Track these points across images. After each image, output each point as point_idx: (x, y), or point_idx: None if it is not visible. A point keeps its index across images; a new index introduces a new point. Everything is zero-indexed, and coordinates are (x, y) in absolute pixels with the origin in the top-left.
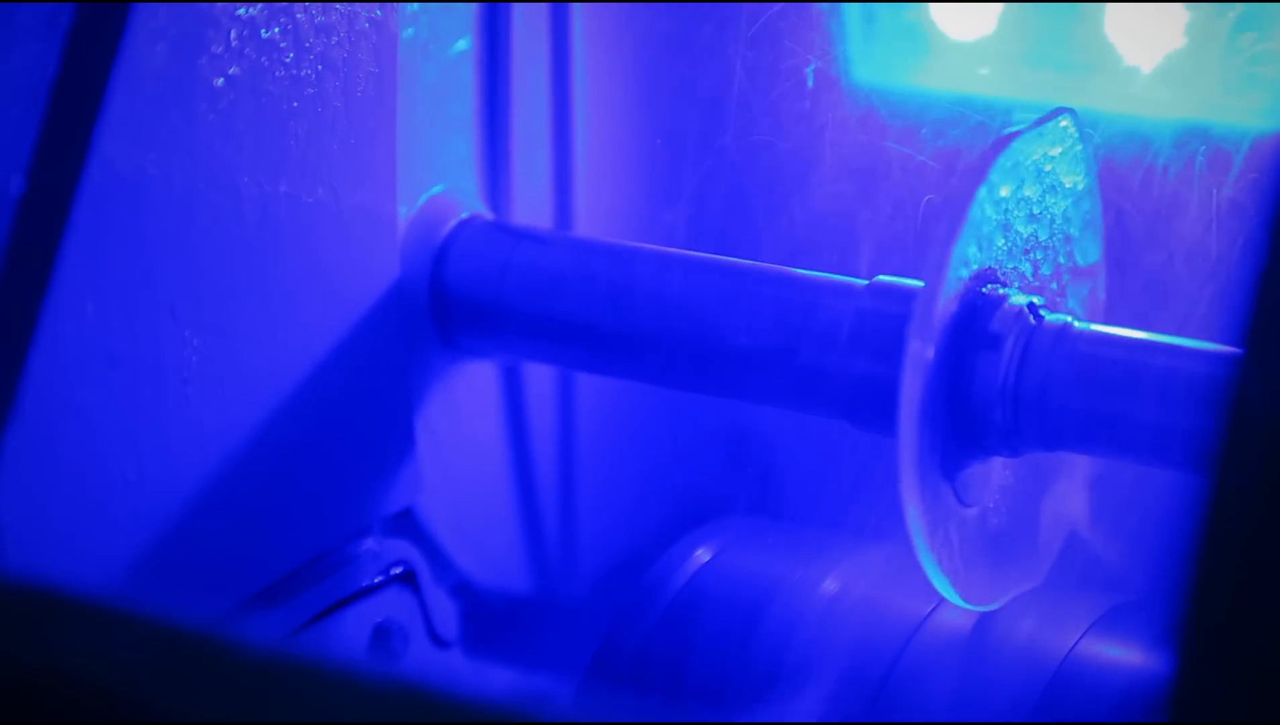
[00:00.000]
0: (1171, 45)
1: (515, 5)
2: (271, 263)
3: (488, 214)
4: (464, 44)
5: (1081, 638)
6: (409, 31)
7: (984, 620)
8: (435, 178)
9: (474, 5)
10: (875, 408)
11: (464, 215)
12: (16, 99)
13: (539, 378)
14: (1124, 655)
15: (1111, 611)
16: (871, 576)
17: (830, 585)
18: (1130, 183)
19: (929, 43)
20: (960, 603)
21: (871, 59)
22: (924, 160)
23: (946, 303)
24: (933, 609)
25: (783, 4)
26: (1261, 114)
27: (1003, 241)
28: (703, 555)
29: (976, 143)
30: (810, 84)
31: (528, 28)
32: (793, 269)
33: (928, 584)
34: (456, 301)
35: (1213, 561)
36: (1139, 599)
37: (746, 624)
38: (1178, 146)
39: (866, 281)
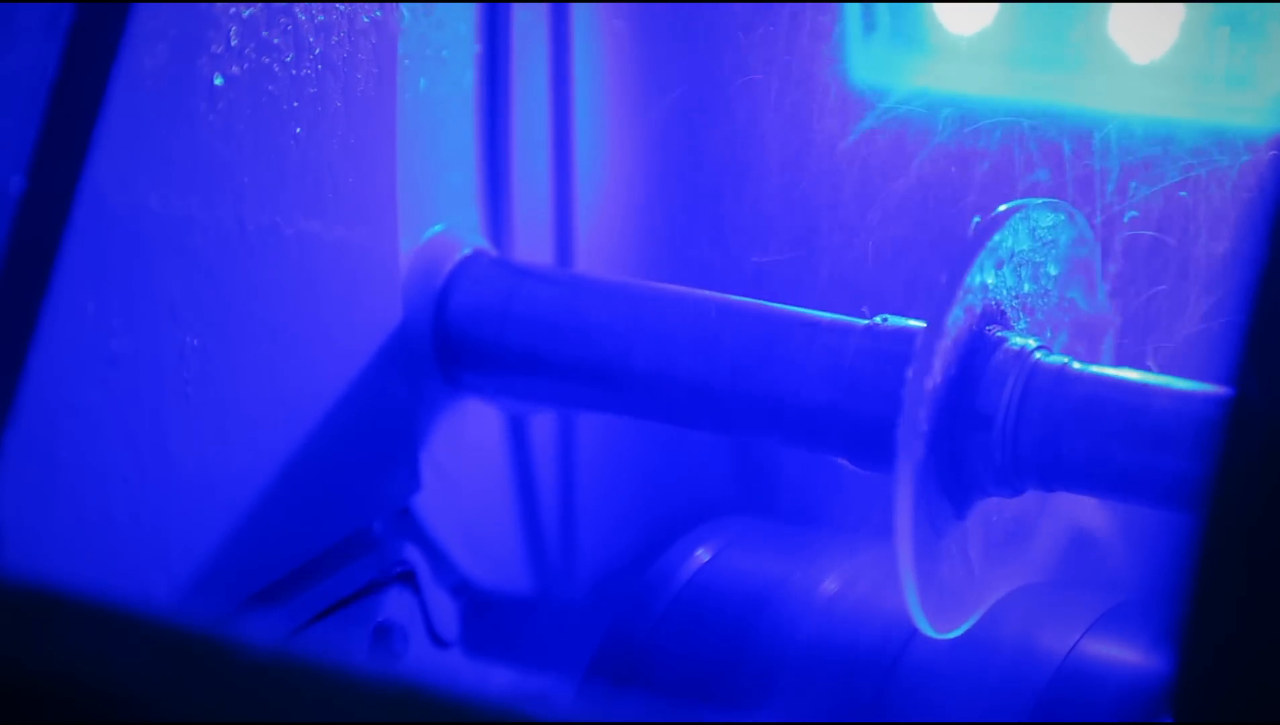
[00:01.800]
0: (1172, 43)
1: (515, 40)
2: (269, 265)
3: (490, 248)
4: (467, 79)
5: (1082, 637)
6: (406, 62)
7: (984, 619)
8: (436, 213)
9: (472, 50)
10: (874, 447)
11: (466, 251)
12: (16, 99)
13: None
14: (1124, 655)
15: (1111, 611)
16: (871, 576)
17: (830, 585)
18: (1131, 182)
19: (927, 42)
20: (934, 634)
21: (870, 60)
22: (925, 163)
23: (947, 345)
24: None
25: (781, 4)
26: (1262, 113)
27: (1005, 290)
28: (703, 555)
29: (966, 145)
30: (812, 89)
31: (526, 64)
32: (793, 308)
33: None
34: (459, 340)
35: (1213, 562)
36: (1139, 599)
37: (746, 624)
38: (1179, 146)
39: (867, 321)
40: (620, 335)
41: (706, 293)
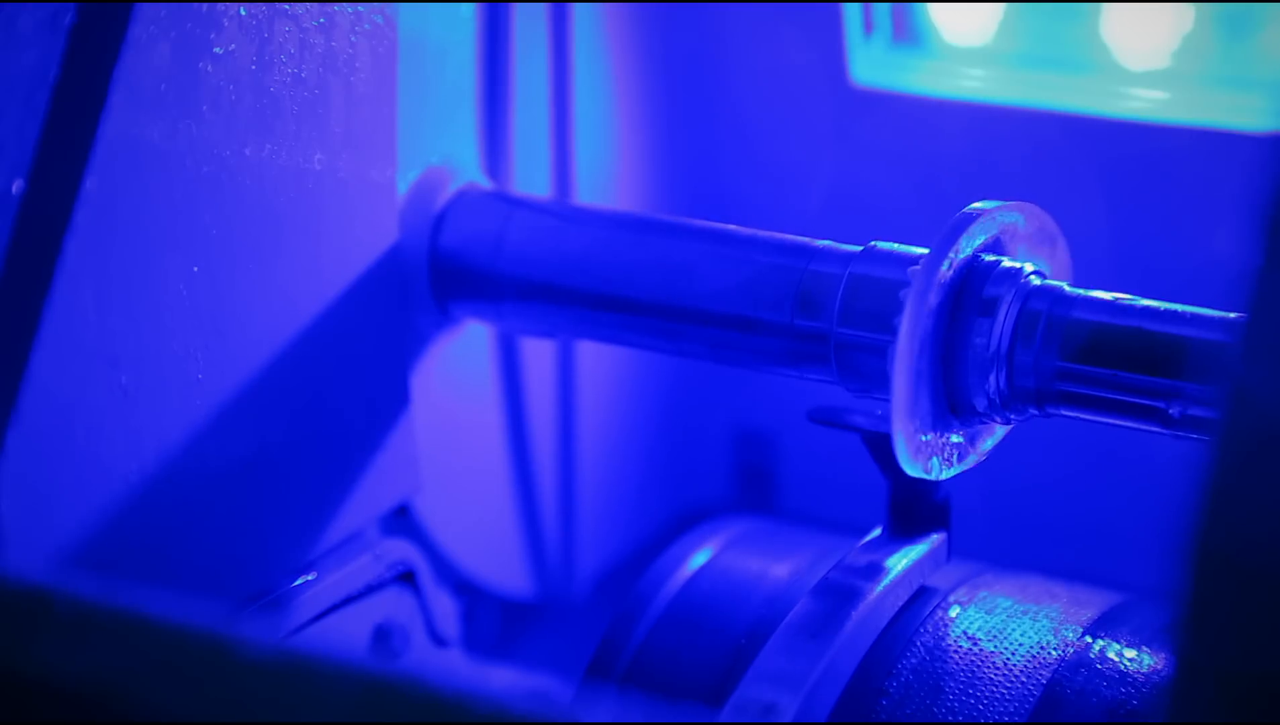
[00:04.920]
0: (1169, 45)
1: None
2: (273, 247)
3: (487, 184)
4: (468, 21)
5: (1082, 637)
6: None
7: (985, 619)
8: (436, 148)
9: None
10: (870, 372)
11: (462, 184)
12: (18, 99)
13: (539, 376)
14: (1123, 656)
15: (1111, 611)
16: None
17: None
18: (1130, 186)
19: (929, 44)
20: None
21: (871, 59)
22: (924, 164)
23: (944, 268)
24: (931, 609)
25: (784, 3)
26: (1260, 114)
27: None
28: (702, 555)
29: (963, 147)
30: (808, 81)
31: (528, 8)
32: (789, 236)
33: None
34: (453, 269)
35: (1212, 560)
36: (1139, 598)
37: (745, 625)
38: (1177, 148)
39: (862, 247)
40: (615, 262)
41: (701, 221)
